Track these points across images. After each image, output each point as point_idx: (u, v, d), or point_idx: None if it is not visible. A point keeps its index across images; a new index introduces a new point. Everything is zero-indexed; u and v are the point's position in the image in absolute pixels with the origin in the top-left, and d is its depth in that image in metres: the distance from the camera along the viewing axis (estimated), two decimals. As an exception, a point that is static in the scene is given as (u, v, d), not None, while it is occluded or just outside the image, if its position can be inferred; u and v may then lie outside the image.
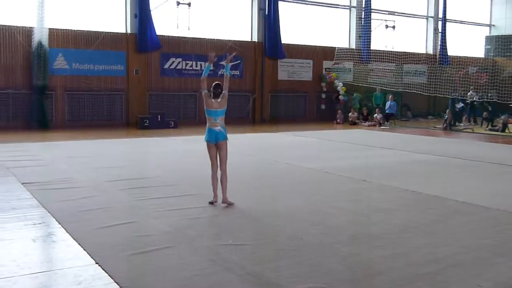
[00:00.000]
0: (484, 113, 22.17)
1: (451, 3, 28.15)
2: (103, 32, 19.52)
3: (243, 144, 14.08)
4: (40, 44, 17.96)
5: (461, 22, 30.05)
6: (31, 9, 18.01)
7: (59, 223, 6.05)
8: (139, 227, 5.97)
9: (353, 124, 22.43)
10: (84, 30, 19.20)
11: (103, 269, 4.60)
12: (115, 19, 20.12)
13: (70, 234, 5.61)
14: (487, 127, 20.65)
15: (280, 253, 5.10)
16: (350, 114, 23.05)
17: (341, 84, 24.35)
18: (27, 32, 18.16)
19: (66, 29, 18.88)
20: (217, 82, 7.50)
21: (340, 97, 24.22)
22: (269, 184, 8.82)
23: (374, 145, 14.64)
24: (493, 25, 31.27)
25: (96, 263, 4.75)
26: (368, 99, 24.58)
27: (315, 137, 16.85)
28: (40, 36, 17.97)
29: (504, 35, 29.92)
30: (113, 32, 19.85)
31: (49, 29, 18.24)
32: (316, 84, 24.63)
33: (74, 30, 19.03)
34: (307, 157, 12.13)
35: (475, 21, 30.83)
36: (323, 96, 24.65)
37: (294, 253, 5.07)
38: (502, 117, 20.03)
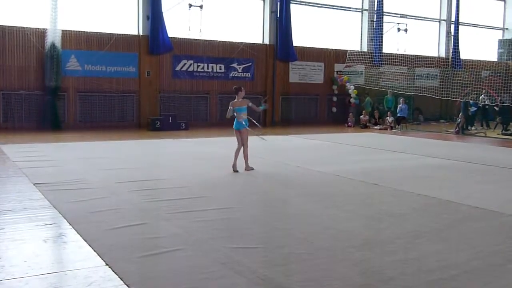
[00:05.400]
0: (498, 118, 22.01)
1: (464, 6, 27.98)
2: (115, 34, 19.63)
3: (254, 147, 14.03)
4: (53, 46, 18.10)
5: (474, 25, 29.84)
6: (45, 11, 18.16)
7: (70, 224, 6.06)
8: (150, 228, 5.97)
9: (364, 127, 22.34)
10: (97, 32, 19.32)
11: (113, 270, 4.59)
12: (127, 21, 20.23)
13: (80, 235, 5.61)
14: (501, 131, 20.44)
15: (291, 256, 5.07)
16: (361, 117, 22.97)
17: (352, 87, 24.29)
18: (40, 34, 18.30)
19: (78, 31, 19.02)
20: (235, 86, 10.26)
21: (352, 100, 24.16)
22: (280, 187, 8.79)
23: (386, 149, 14.56)
24: (507, 29, 31.03)
25: (107, 264, 4.75)
26: (380, 102, 24.49)
27: (326, 140, 16.78)
28: (53, 37, 18.12)
29: (518, 39, 29.69)
30: (125, 34, 19.95)
31: (62, 30, 18.39)
32: (328, 87, 24.59)
33: (86, 32, 19.16)
34: (318, 160, 12.09)
35: (488, 24, 30.59)
36: (335, 99, 24.61)
37: (305, 257, 5.03)
38: None
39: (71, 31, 18.80)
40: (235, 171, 9.93)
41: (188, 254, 5.07)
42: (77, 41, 19.02)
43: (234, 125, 10.08)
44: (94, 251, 5.11)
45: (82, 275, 4.49)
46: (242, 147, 10.08)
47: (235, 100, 9.96)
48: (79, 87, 19.24)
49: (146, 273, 4.60)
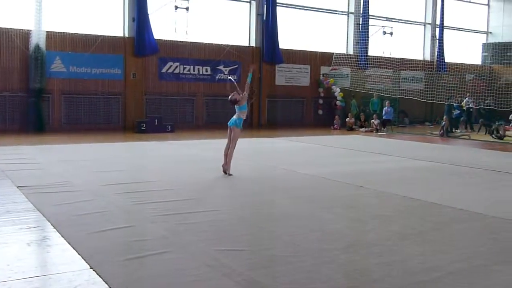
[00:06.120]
0: (481, 120, 22.23)
1: (448, 10, 28.27)
2: (100, 35, 19.51)
3: (240, 149, 14.01)
4: (37, 47, 17.95)
5: (459, 29, 30.18)
6: (29, 12, 18.00)
7: (54, 227, 6.00)
8: (136, 231, 5.93)
9: (350, 129, 22.44)
10: (82, 34, 19.20)
11: (97, 274, 4.56)
12: (113, 22, 20.12)
13: (65, 238, 5.56)
14: (488, 134, 20.39)
15: (277, 259, 5.07)
16: (347, 119, 23.07)
17: (338, 89, 24.40)
18: (25, 35, 18.14)
19: (63, 32, 18.87)
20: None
21: (338, 102, 24.27)
22: (266, 190, 8.79)
23: (371, 151, 14.64)
24: (490, 33, 31.41)
25: (91, 268, 4.70)
26: (366, 105, 24.62)
27: (312, 142, 16.83)
28: (38, 39, 17.96)
29: (501, 43, 30.07)
30: (110, 36, 19.85)
31: (47, 32, 18.25)
32: (314, 89, 24.67)
33: (71, 33, 19.02)
34: (304, 162, 12.12)
35: (472, 28, 30.95)
36: (321, 101, 24.70)
37: (291, 260, 5.03)
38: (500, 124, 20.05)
39: (55, 32, 18.66)
40: (226, 173, 9.87)
41: (174, 257, 5.05)
42: (62, 42, 18.88)
43: (229, 122, 9.81)
44: (79, 254, 5.06)
45: (66, 279, 4.44)
46: (230, 146, 9.82)
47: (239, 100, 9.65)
48: (64, 89, 19.08)
49: (131, 276, 4.57)
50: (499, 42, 30.26)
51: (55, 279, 4.47)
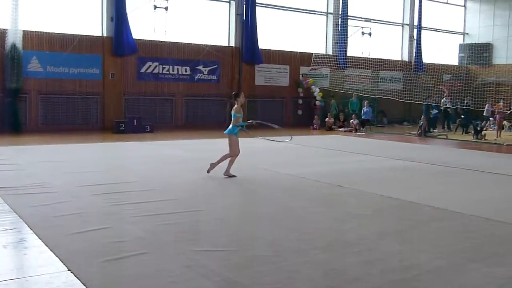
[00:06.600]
0: (458, 120, 22.51)
1: (426, 11, 28.58)
2: (78, 35, 19.30)
3: (220, 150, 14.00)
4: (14, 47, 17.67)
5: (436, 30, 30.54)
6: (5, 11, 17.71)
7: (31, 229, 5.91)
8: (114, 232, 5.87)
9: (330, 129, 22.55)
10: (59, 33, 18.96)
11: (75, 276, 4.50)
12: (91, 22, 19.91)
13: (42, 240, 5.48)
14: (474, 134, 20.44)
15: (257, 259, 5.06)
16: (326, 119, 23.17)
17: (318, 89, 24.50)
18: (1, 34, 17.84)
19: (40, 32, 18.62)
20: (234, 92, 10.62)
21: (317, 102, 24.37)
22: (246, 190, 8.80)
23: (350, 151, 14.73)
24: (467, 34, 31.84)
25: (69, 269, 4.65)
26: (345, 105, 24.77)
27: (292, 142, 16.81)
28: (14, 38, 17.68)
29: (478, 43, 30.53)
30: (88, 35, 19.64)
31: (23, 31, 17.98)
32: (293, 89, 24.74)
33: (49, 32, 18.78)
34: (284, 162, 12.15)
35: (449, 29, 31.35)
36: (300, 101, 24.77)
37: (271, 260, 5.03)
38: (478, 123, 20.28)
39: (32, 31, 18.40)
40: (232, 175, 9.82)
41: (153, 258, 5.01)
42: (39, 42, 18.63)
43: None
44: (56, 256, 5.00)
45: (43, 281, 4.38)
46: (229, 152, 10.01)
47: (235, 106, 10.01)
48: (41, 89, 18.83)
49: (109, 278, 4.52)
50: (475, 43, 30.72)
51: (32, 281, 4.40)
